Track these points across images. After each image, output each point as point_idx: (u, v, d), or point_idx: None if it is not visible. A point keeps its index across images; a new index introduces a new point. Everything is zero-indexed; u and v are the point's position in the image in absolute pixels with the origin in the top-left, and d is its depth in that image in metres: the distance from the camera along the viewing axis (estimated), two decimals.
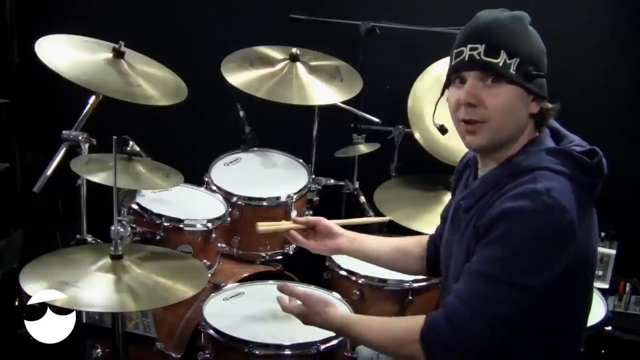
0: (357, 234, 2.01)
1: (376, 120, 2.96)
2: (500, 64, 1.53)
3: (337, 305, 1.78)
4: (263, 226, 1.98)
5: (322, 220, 1.99)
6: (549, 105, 1.60)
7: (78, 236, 2.24)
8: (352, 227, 2.05)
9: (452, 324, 1.52)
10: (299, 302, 1.79)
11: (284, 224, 2.03)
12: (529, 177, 1.52)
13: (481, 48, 1.54)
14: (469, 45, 1.56)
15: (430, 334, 1.54)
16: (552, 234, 1.47)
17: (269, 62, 2.84)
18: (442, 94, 1.70)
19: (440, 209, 2.73)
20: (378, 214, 2.82)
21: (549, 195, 1.47)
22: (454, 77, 1.61)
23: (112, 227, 1.84)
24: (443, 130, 1.77)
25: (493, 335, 1.51)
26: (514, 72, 1.54)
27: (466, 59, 1.56)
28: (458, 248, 1.66)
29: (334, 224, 2.00)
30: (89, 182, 2.13)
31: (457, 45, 1.59)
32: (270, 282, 2.38)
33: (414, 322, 1.58)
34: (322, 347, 1.99)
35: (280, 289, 1.82)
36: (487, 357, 1.54)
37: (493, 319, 1.50)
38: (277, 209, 2.71)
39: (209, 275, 2.49)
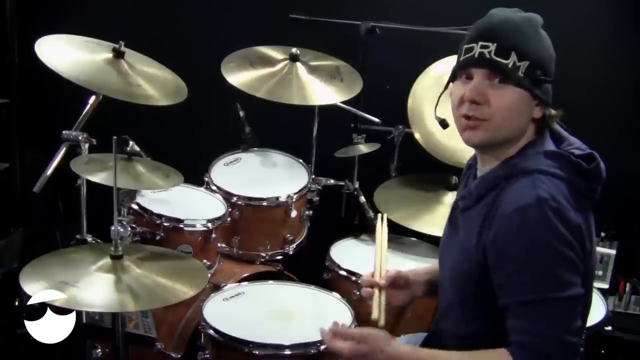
0: (424, 273, 1.88)
1: (376, 120, 2.96)
2: (510, 65, 1.52)
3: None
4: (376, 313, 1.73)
5: (401, 272, 1.84)
6: (553, 112, 1.59)
7: (78, 236, 2.24)
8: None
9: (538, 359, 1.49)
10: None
11: (378, 296, 1.77)
12: (526, 180, 1.52)
13: (492, 47, 1.53)
14: (481, 43, 1.54)
15: None
16: (569, 236, 1.48)
17: (269, 62, 2.84)
18: (446, 87, 1.68)
19: (440, 209, 2.77)
20: (378, 213, 2.82)
21: (555, 201, 1.47)
22: (460, 72, 1.60)
23: (112, 227, 1.84)
24: (444, 124, 1.75)
25: (577, 347, 1.50)
26: (522, 75, 1.53)
27: (476, 56, 1.55)
28: (456, 248, 1.65)
29: (408, 273, 1.86)
30: (89, 182, 2.13)
31: (467, 41, 1.58)
32: (270, 282, 2.38)
33: None
34: (322, 347, 1.99)
35: (333, 333, 1.65)
36: None
37: (568, 333, 1.49)
38: (277, 209, 2.71)
39: (209, 275, 2.49)
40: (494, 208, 1.54)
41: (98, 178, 2.02)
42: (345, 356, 1.62)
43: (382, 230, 1.88)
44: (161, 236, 2.43)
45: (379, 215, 1.92)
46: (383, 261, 1.82)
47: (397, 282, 1.82)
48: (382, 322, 1.69)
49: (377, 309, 1.73)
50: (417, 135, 2.84)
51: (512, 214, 1.49)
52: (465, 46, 1.58)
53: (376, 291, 1.75)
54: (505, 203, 1.52)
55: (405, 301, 1.86)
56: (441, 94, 1.72)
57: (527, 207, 1.48)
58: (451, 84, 1.65)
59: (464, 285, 1.61)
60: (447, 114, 1.69)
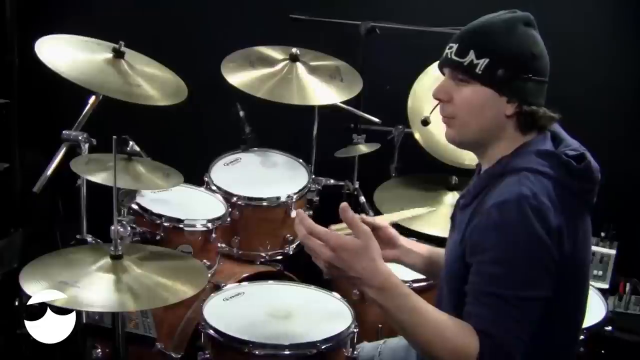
0: (413, 244, 1.90)
1: (376, 120, 2.96)
2: (465, 64, 1.59)
3: None
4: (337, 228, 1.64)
5: (389, 228, 1.85)
6: (529, 109, 1.59)
7: (78, 236, 2.24)
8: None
9: (502, 352, 1.48)
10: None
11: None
12: (513, 178, 1.54)
13: (454, 47, 1.62)
14: (449, 44, 1.64)
15: None
16: (545, 237, 1.48)
17: (269, 62, 2.83)
18: None
19: (440, 209, 2.77)
20: (378, 214, 2.82)
21: (535, 200, 1.48)
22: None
23: (112, 227, 1.84)
24: (424, 122, 1.81)
25: (522, 348, 1.50)
26: (479, 72, 1.57)
27: (443, 56, 1.64)
28: (451, 245, 1.69)
29: (397, 234, 1.87)
30: (89, 182, 2.13)
31: None
32: (270, 282, 2.38)
33: (469, 348, 1.48)
34: (322, 347, 1.99)
35: (343, 210, 1.54)
36: None
37: (522, 332, 1.50)
38: (277, 209, 2.71)
39: (209, 275, 2.49)
40: (480, 205, 1.58)
41: (98, 178, 2.02)
42: (331, 243, 1.52)
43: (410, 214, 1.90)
44: (161, 236, 2.43)
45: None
46: (389, 217, 1.85)
47: (378, 233, 1.77)
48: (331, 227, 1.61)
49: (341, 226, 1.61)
50: (417, 135, 2.84)
51: (492, 208, 1.52)
52: None
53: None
54: (490, 199, 1.55)
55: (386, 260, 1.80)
56: None
57: (507, 202, 1.50)
58: None
59: (455, 285, 1.62)
60: None
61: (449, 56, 1.62)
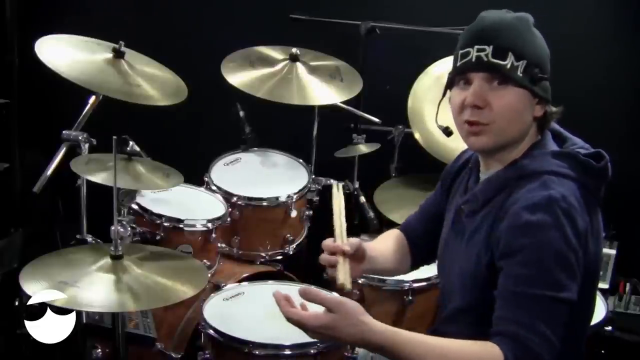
0: (375, 250, 1.83)
1: (376, 120, 2.96)
2: (508, 66, 1.52)
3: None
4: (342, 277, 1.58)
5: (362, 243, 1.74)
6: (553, 109, 1.59)
7: (78, 236, 2.24)
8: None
9: (531, 355, 1.44)
10: (315, 309, 1.50)
11: (343, 262, 1.62)
12: (538, 182, 1.51)
13: (489, 49, 1.52)
14: (476, 46, 1.53)
15: None
16: (575, 240, 1.47)
17: (269, 62, 2.84)
18: (444, 95, 1.67)
19: None
20: (378, 214, 2.82)
21: (565, 202, 1.47)
22: (458, 78, 1.59)
23: (112, 227, 1.84)
24: (448, 132, 1.74)
25: (556, 349, 1.47)
26: (520, 75, 1.52)
27: (473, 60, 1.54)
28: (464, 253, 1.63)
29: (364, 246, 1.76)
30: (89, 182, 2.13)
31: (462, 46, 1.57)
32: (270, 282, 2.38)
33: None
34: (322, 346, 1.99)
35: (303, 294, 1.49)
36: None
37: (553, 334, 1.46)
38: (277, 209, 2.71)
39: (209, 275, 2.49)
40: (504, 209, 1.53)
41: (98, 178, 2.02)
42: (308, 328, 1.46)
43: (339, 198, 1.78)
44: (161, 236, 2.43)
45: (335, 184, 1.86)
46: (343, 228, 1.71)
47: (356, 253, 1.72)
48: (348, 286, 1.56)
49: (343, 274, 1.58)
50: (417, 135, 2.84)
51: (521, 210, 1.48)
52: (461, 51, 1.57)
53: (340, 258, 1.62)
54: (516, 203, 1.51)
55: (359, 275, 1.83)
56: (440, 101, 1.70)
57: (537, 205, 1.47)
58: (449, 90, 1.64)
59: (475, 289, 1.59)
60: (447, 119, 1.69)
61: (486, 59, 1.52)
